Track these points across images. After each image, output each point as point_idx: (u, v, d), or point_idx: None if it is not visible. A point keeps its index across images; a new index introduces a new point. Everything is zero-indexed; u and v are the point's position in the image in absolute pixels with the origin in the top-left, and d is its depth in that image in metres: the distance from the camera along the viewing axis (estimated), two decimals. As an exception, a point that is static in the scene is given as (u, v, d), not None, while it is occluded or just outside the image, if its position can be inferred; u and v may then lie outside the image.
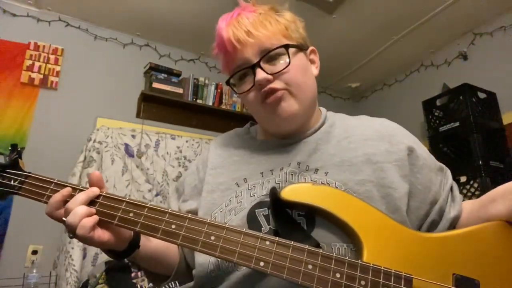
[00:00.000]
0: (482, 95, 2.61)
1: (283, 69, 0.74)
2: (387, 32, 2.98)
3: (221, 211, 0.74)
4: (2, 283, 2.10)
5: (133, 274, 2.13)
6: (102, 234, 0.64)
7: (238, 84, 0.79)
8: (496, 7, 2.65)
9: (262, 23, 0.75)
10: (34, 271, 2.17)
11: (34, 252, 2.36)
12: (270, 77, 0.73)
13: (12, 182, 0.70)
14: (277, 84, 0.73)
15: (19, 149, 0.75)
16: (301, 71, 0.77)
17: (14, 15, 2.68)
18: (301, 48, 0.79)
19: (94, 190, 0.67)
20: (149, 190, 2.74)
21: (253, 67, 0.74)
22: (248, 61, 0.74)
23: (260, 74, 0.73)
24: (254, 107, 0.78)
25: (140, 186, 2.72)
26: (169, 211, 0.64)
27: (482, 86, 2.62)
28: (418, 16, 2.77)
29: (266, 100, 0.74)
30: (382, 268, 0.56)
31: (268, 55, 0.74)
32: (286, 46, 0.75)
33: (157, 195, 2.76)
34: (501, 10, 2.67)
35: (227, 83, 0.81)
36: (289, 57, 0.74)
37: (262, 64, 0.73)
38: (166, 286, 0.85)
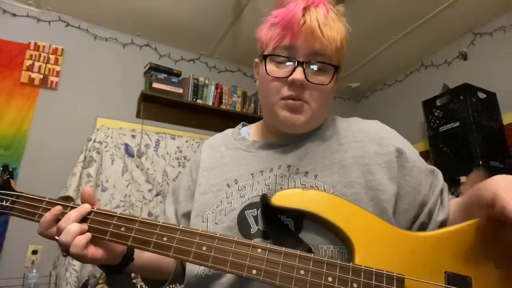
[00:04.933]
0: (482, 95, 2.61)
1: (320, 84, 0.72)
2: (387, 32, 2.97)
3: (212, 212, 0.74)
4: (2, 283, 2.11)
5: (133, 275, 2.13)
6: (96, 252, 0.64)
7: (269, 62, 0.75)
8: (496, 7, 2.64)
9: (333, 30, 0.72)
10: (34, 271, 2.18)
11: (34, 252, 2.37)
12: (306, 82, 0.71)
13: (4, 203, 0.71)
14: (305, 94, 0.72)
15: (10, 169, 0.75)
16: (330, 94, 0.76)
17: (14, 15, 2.69)
18: (338, 72, 0.77)
19: (86, 207, 0.66)
20: (149, 190, 2.75)
21: (298, 63, 0.71)
22: (300, 52, 0.72)
23: (300, 75, 0.71)
24: (269, 95, 0.75)
25: (140, 186, 2.73)
26: (160, 223, 0.64)
27: (482, 86, 2.62)
28: (418, 16, 2.76)
29: (287, 100, 0.73)
30: (374, 269, 0.57)
31: (318, 62, 0.72)
32: (337, 69, 0.74)
33: (157, 195, 2.77)
34: (501, 10, 2.66)
35: (265, 56, 0.76)
36: (331, 79, 0.73)
37: (307, 66, 0.72)
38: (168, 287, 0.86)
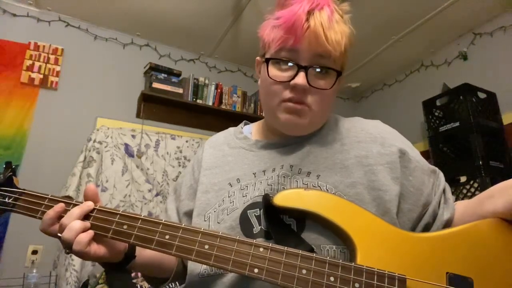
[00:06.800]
0: (482, 95, 2.61)
1: (322, 89, 0.72)
2: (387, 32, 2.97)
3: (214, 211, 0.74)
4: (2, 283, 2.11)
5: (133, 274, 2.13)
6: (98, 249, 0.64)
7: (271, 65, 0.74)
8: (496, 7, 2.64)
9: (337, 33, 0.71)
10: (34, 271, 2.18)
11: (34, 252, 2.37)
12: (308, 86, 0.70)
13: (6, 200, 0.71)
14: (306, 99, 0.72)
15: (13, 166, 0.75)
16: (331, 97, 0.76)
17: (14, 15, 2.68)
18: (340, 76, 0.76)
19: (89, 204, 0.66)
20: (149, 190, 2.75)
21: (301, 68, 0.71)
22: (303, 56, 0.71)
23: (303, 80, 0.70)
24: (271, 98, 0.75)
25: (140, 186, 2.73)
26: (163, 221, 0.64)
27: (482, 86, 2.62)
28: (418, 16, 2.76)
29: (288, 103, 0.72)
30: (376, 269, 0.57)
31: (321, 67, 0.72)
32: (340, 73, 0.73)
33: (157, 195, 2.77)
34: (501, 10, 2.67)
35: (267, 59, 0.75)
36: (333, 84, 0.73)
37: (309, 70, 0.71)
38: (166, 287, 0.85)
